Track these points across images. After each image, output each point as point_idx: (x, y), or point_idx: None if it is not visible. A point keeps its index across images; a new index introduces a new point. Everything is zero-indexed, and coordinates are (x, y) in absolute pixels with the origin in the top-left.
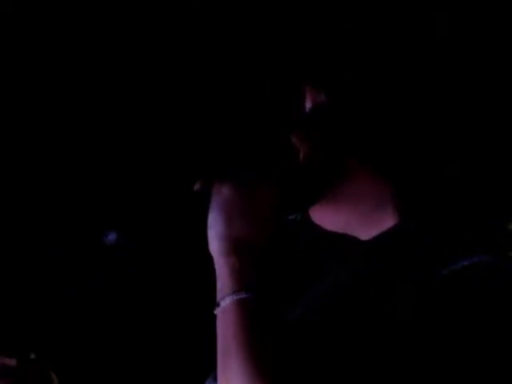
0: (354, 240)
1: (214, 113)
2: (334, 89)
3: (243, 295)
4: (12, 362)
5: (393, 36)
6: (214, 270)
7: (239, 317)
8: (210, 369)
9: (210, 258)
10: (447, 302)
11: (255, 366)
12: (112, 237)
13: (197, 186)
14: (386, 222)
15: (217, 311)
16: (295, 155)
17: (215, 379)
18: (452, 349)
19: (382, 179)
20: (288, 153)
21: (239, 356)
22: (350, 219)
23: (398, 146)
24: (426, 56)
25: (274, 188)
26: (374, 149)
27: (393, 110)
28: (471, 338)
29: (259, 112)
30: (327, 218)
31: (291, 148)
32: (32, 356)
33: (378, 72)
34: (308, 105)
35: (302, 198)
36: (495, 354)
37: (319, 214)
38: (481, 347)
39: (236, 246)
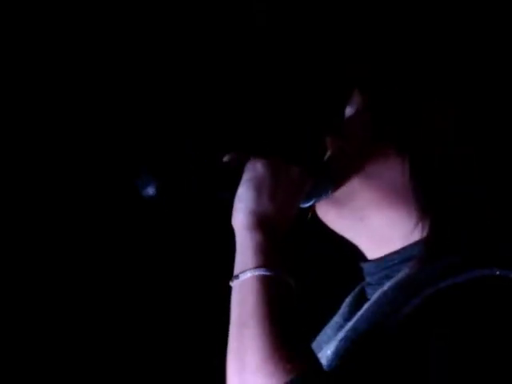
0: (362, 257)
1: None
2: (373, 92)
3: (266, 272)
4: None
5: (427, 41)
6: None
7: (260, 291)
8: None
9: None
10: (447, 317)
11: (276, 338)
12: (151, 190)
13: (228, 158)
14: (394, 243)
15: (234, 283)
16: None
17: None
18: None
19: (405, 199)
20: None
21: (258, 327)
22: (356, 228)
23: (428, 164)
24: (467, 68)
25: (303, 172)
26: (408, 162)
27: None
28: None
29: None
30: (330, 217)
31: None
32: None
33: (418, 80)
34: (352, 106)
35: (326, 186)
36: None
37: (324, 211)
38: (477, 367)
39: (261, 222)
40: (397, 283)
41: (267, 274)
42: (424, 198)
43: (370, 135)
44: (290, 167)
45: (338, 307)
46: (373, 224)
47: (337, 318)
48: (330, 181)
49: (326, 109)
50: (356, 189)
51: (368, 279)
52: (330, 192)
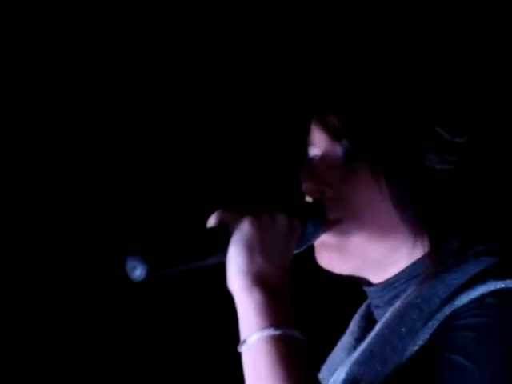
0: (366, 282)
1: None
2: (355, 139)
3: (273, 331)
4: None
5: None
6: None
7: (271, 353)
8: None
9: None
10: (457, 331)
11: None
12: (141, 272)
13: (212, 222)
14: (399, 264)
15: (243, 349)
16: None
17: None
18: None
19: (399, 222)
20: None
21: None
22: (360, 265)
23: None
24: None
25: (290, 221)
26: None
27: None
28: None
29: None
30: (335, 264)
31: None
32: None
33: (400, 123)
34: (316, 150)
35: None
36: None
37: (327, 259)
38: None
39: (259, 281)
40: (409, 302)
41: (274, 333)
42: (415, 216)
43: (346, 170)
44: (275, 219)
45: (344, 325)
46: (376, 256)
47: (347, 338)
48: (319, 222)
49: (297, 154)
50: (350, 227)
51: (376, 302)
52: (320, 232)
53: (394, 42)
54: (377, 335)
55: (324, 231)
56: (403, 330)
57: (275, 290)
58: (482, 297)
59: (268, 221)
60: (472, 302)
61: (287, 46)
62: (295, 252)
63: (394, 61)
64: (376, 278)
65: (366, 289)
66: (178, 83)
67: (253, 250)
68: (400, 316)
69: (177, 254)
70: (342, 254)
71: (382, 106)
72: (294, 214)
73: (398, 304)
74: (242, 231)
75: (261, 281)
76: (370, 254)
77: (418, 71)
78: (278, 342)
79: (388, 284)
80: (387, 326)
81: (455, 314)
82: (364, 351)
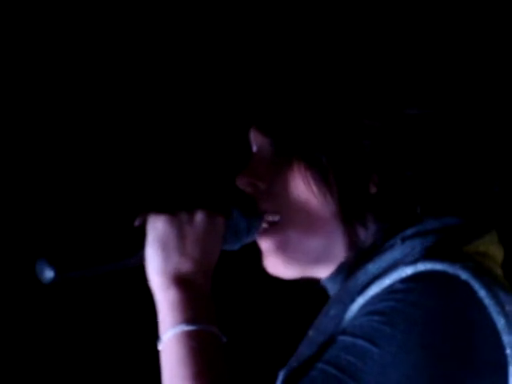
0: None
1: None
2: (280, 134)
3: (185, 327)
4: None
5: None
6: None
7: (183, 350)
8: None
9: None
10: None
11: None
12: (49, 273)
13: (136, 222)
14: (342, 254)
15: (160, 347)
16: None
17: None
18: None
19: (330, 218)
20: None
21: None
22: (305, 264)
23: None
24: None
25: (210, 217)
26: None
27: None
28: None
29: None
30: (280, 269)
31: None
32: None
33: (324, 120)
34: (254, 147)
35: (240, 233)
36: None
37: (272, 266)
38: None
39: (175, 280)
40: (334, 297)
41: (187, 329)
42: (345, 208)
43: (276, 164)
44: (194, 216)
45: None
46: (316, 249)
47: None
48: (251, 216)
49: (227, 150)
50: (284, 222)
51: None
52: (257, 227)
53: (315, 37)
54: (306, 337)
55: (260, 225)
56: (328, 327)
57: (193, 287)
58: (393, 284)
59: (185, 218)
60: (384, 289)
61: (222, 46)
62: (232, 249)
63: (313, 57)
64: (328, 272)
65: (323, 285)
66: (108, 81)
67: (168, 248)
68: (325, 313)
69: (88, 256)
70: (284, 259)
71: (302, 100)
72: (217, 210)
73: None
74: (157, 230)
75: (178, 278)
76: (310, 249)
77: (333, 65)
78: (190, 337)
79: (334, 276)
80: (315, 326)
81: (367, 303)
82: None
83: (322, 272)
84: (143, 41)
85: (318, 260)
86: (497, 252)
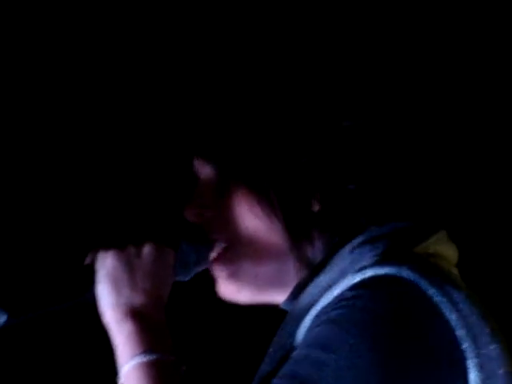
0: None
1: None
2: (221, 160)
3: (142, 358)
4: None
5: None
6: None
7: (143, 381)
8: None
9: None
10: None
11: None
12: (1, 318)
13: (87, 260)
14: (294, 278)
15: (120, 380)
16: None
17: None
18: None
19: (279, 241)
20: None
21: None
22: (259, 289)
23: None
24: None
25: (158, 249)
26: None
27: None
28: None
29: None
30: (234, 295)
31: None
32: None
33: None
34: (199, 176)
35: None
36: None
37: (225, 292)
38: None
39: (128, 314)
40: (288, 315)
41: (144, 360)
42: (289, 231)
43: (220, 191)
44: (142, 250)
45: None
46: (268, 273)
47: None
48: (200, 246)
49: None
50: (233, 247)
51: None
52: (207, 256)
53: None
54: (267, 355)
55: (210, 254)
56: (285, 342)
57: (147, 319)
58: (342, 292)
59: (133, 252)
60: (334, 299)
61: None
62: (183, 279)
63: (244, 80)
64: (286, 294)
65: (282, 307)
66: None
67: (118, 283)
68: (282, 329)
69: (40, 299)
70: (237, 285)
71: (238, 126)
72: (165, 242)
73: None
74: (107, 266)
75: (130, 312)
76: (262, 273)
77: (266, 85)
78: (149, 367)
79: (291, 298)
80: (274, 342)
81: (319, 313)
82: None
83: (280, 295)
84: None
85: (272, 283)
86: (449, 251)
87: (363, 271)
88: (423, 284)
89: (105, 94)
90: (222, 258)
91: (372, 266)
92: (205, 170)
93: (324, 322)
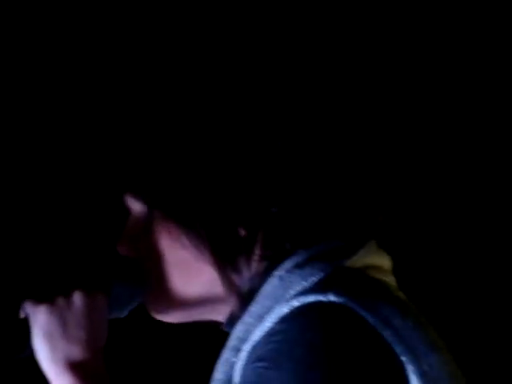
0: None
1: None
2: (147, 196)
3: None
4: None
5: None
6: None
7: None
8: None
9: None
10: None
11: None
12: None
13: (21, 314)
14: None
15: None
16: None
17: None
18: None
19: (210, 269)
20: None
21: None
22: (189, 312)
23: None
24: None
25: (88, 295)
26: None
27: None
28: None
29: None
30: (163, 316)
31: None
32: None
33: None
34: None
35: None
36: None
37: (155, 312)
38: None
39: (66, 367)
40: (226, 345)
41: None
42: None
43: (148, 223)
44: (71, 300)
45: None
46: (202, 297)
47: None
48: (132, 282)
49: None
50: (160, 277)
51: None
52: (141, 289)
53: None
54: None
55: (143, 289)
56: (224, 373)
57: (85, 369)
58: (273, 326)
59: (63, 303)
60: (266, 333)
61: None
62: (119, 316)
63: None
64: (225, 312)
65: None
66: None
67: (53, 337)
68: (220, 359)
69: None
70: (166, 306)
71: (162, 163)
72: (95, 287)
73: None
74: (39, 322)
75: (69, 365)
76: (189, 295)
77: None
78: None
79: (229, 321)
80: (216, 369)
81: (252, 348)
82: None
83: (219, 313)
84: None
85: (204, 304)
86: (382, 260)
87: (290, 302)
88: (354, 306)
89: None
90: (153, 287)
91: (300, 294)
92: (134, 205)
93: (257, 359)
